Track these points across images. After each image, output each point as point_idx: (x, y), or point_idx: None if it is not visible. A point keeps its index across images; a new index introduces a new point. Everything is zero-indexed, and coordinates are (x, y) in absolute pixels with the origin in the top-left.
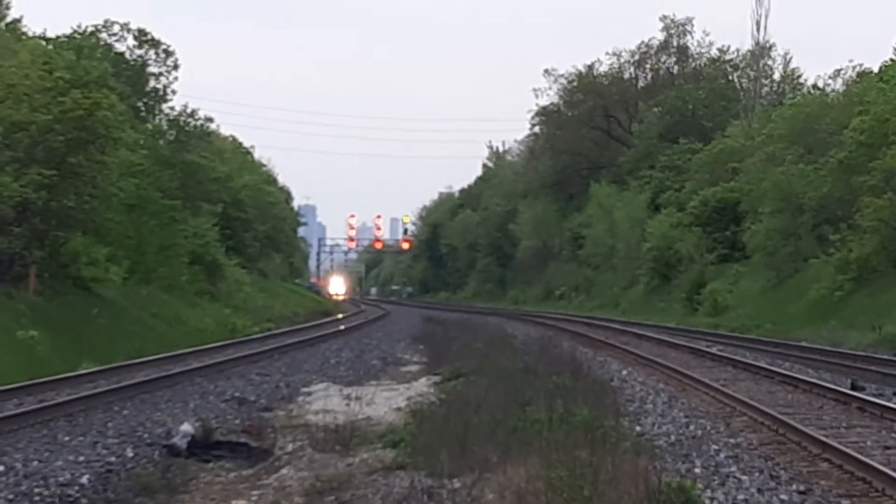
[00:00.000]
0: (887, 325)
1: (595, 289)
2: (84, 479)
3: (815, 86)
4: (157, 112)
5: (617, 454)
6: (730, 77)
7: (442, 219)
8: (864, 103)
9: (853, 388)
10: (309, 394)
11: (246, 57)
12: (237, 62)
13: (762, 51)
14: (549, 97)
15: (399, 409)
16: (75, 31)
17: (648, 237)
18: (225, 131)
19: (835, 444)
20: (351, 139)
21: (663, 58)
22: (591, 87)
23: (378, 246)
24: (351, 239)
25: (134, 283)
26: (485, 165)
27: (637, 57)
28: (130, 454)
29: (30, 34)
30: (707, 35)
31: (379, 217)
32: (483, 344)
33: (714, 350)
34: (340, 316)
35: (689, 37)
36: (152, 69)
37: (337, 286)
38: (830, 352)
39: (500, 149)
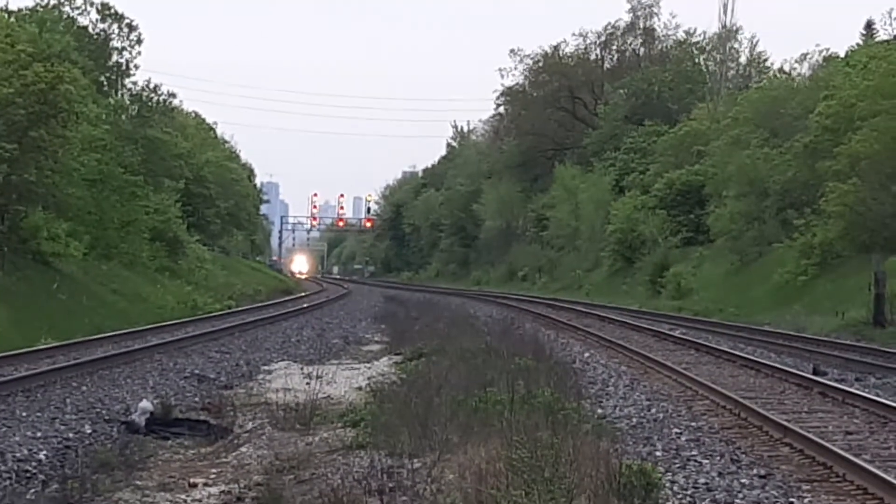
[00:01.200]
0: (850, 311)
1: (558, 270)
2: (41, 455)
3: (781, 70)
4: (119, 87)
5: (578, 436)
6: (696, 60)
7: (405, 198)
8: (829, 88)
9: (815, 372)
10: (269, 372)
11: (210, 33)
12: (201, 38)
13: (729, 34)
14: (515, 77)
15: (360, 388)
16: (38, 4)
17: (612, 219)
18: (188, 107)
19: (796, 428)
20: (315, 117)
21: (629, 39)
22: (556, 67)
23: (341, 224)
24: (313, 217)
25: (94, 258)
26: (449, 145)
27: (603, 38)
28: (88, 430)
29: None
30: (674, 17)
31: (342, 195)
32: (445, 324)
33: (677, 333)
34: (303, 294)
35: (655, 19)
36: (115, 43)
37: (300, 264)
38: (793, 336)
39: (465, 128)
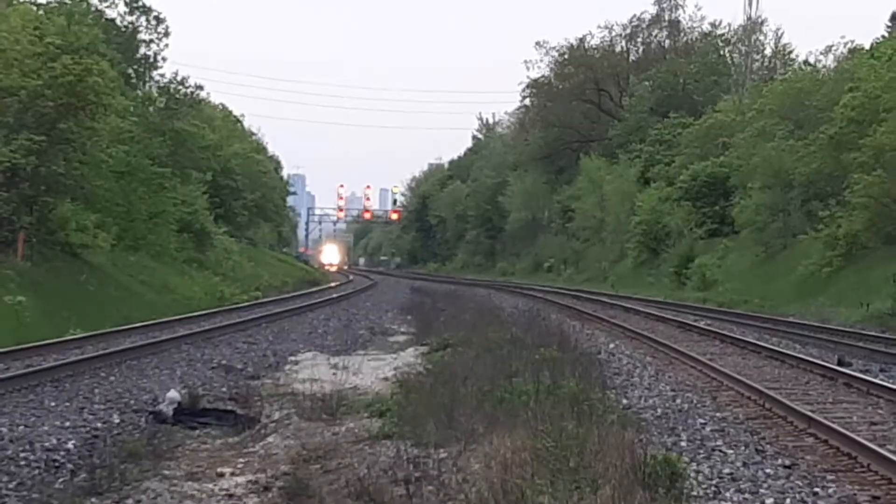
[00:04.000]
0: (875, 302)
1: (584, 262)
2: (70, 445)
3: (806, 62)
4: (147, 79)
5: (603, 426)
6: (721, 52)
7: (431, 190)
8: (854, 80)
9: (840, 363)
10: (296, 363)
11: (237, 25)
12: (229, 30)
13: (754, 26)
14: (540, 69)
15: (386, 378)
16: None
17: (638, 211)
18: (215, 99)
19: (821, 419)
20: (341, 109)
21: (655, 31)
22: (582, 60)
23: (367, 216)
24: (340, 209)
25: (122, 249)
26: (475, 137)
27: (629, 30)
28: (117, 420)
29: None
30: (699, 9)
31: (368, 187)
32: (471, 315)
33: (701, 324)
34: (330, 285)
35: (680, 11)
36: (143, 36)
37: (330, 255)
38: (818, 327)
39: (491, 121)
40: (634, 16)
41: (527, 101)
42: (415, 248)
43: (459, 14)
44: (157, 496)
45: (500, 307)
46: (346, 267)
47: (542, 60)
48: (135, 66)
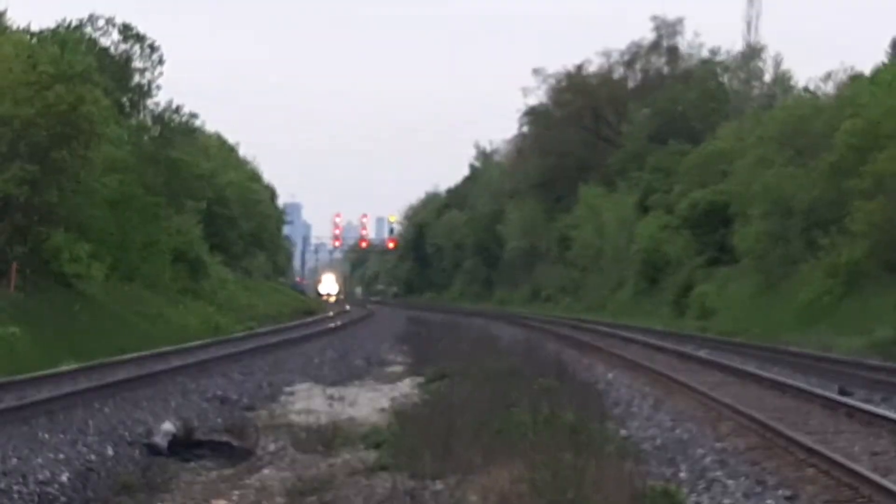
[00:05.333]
0: (877, 330)
1: (582, 291)
2: (64, 478)
3: (806, 88)
4: (141, 107)
5: (602, 457)
6: (720, 78)
7: (428, 218)
8: (855, 106)
9: (841, 393)
10: (292, 393)
11: (232, 53)
12: (223, 58)
13: (753, 52)
14: (538, 97)
15: (382, 409)
16: (60, 25)
17: (637, 239)
18: (210, 128)
19: (822, 449)
20: (338, 137)
21: (653, 58)
22: (580, 87)
23: (363, 245)
24: (336, 238)
25: (116, 280)
26: (472, 165)
27: (627, 57)
28: (111, 453)
29: (13, 27)
30: (698, 36)
31: (365, 216)
32: (468, 345)
33: (701, 353)
34: (326, 315)
35: (679, 37)
36: (137, 64)
37: (329, 285)
38: (819, 357)
39: (488, 148)
40: (633, 42)
41: (524, 129)
42: (412, 277)
43: (456, 42)
44: None
45: (498, 336)
46: (342, 297)
47: (539, 88)
48: (129, 95)
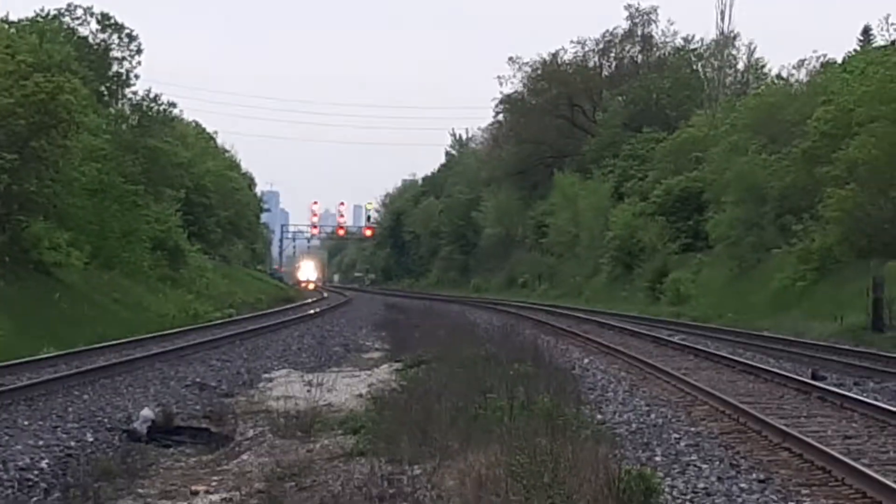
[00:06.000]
0: (849, 316)
1: (558, 277)
2: (44, 464)
3: (778, 76)
4: (119, 96)
5: (577, 442)
6: (694, 66)
7: (405, 206)
8: (827, 94)
9: (814, 377)
10: (270, 380)
11: (210, 43)
12: (201, 47)
13: (726, 40)
14: (513, 85)
15: (360, 395)
16: (38, 15)
17: (611, 226)
18: (188, 116)
19: (795, 433)
20: (315, 126)
21: (628, 47)
22: (555, 75)
23: (341, 233)
24: (314, 226)
25: (96, 268)
26: (448, 153)
27: (601, 45)
28: (90, 439)
29: None
30: (672, 24)
31: (342, 204)
32: (445, 331)
33: (676, 339)
34: (304, 302)
35: (653, 26)
36: (115, 53)
37: (308, 272)
38: (792, 341)
39: (464, 136)
40: (607, 31)
41: (500, 117)
42: (389, 264)
43: (432, 29)
44: None
45: (475, 323)
46: (320, 284)
47: (514, 76)
48: (107, 84)
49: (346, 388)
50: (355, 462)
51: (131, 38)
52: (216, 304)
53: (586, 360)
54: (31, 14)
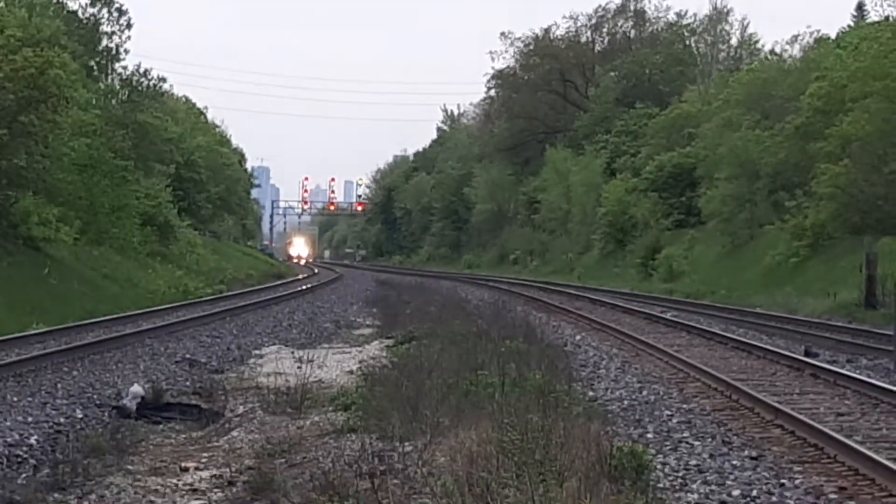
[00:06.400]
0: (842, 292)
1: (550, 253)
2: (33, 440)
3: (772, 51)
4: (109, 71)
5: (569, 419)
6: (687, 42)
7: (396, 182)
8: (820, 69)
9: (807, 354)
10: (260, 356)
11: (201, 17)
12: (192, 22)
13: (719, 16)
14: (506, 60)
15: (351, 372)
16: None
17: (604, 202)
18: (178, 92)
19: (787, 410)
20: (306, 101)
21: (620, 22)
22: (547, 50)
23: (332, 208)
24: (305, 201)
25: (85, 243)
26: (440, 129)
27: (594, 21)
28: (80, 415)
29: None
30: None
31: (333, 180)
32: (436, 308)
33: (668, 315)
34: (294, 278)
35: (646, 1)
36: (105, 28)
37: (299, 247)
38: (785, 318)
39: (456, 112)
40: (600, 6)
41: (492, 93)
42: (380, 240)
43: (424, 4)
44: (120, 491)
45: (466, 299)
46: (311, 260)
47: (507, 51)
48: (97, 59)
49: (336, 365)
50: (346, 439)
51: (121, 12)
52: (206, 279)
53: (578, 337)
54: None
